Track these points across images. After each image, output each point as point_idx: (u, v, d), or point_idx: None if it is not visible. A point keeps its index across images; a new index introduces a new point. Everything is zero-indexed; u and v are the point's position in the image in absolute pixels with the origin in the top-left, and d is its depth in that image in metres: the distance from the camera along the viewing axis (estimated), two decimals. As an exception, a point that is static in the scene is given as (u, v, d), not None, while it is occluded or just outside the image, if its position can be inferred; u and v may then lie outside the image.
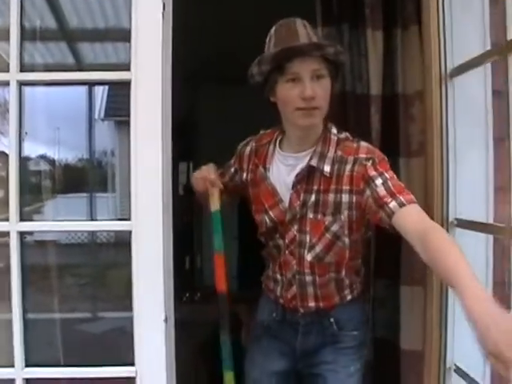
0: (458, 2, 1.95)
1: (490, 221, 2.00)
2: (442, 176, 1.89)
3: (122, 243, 1.77)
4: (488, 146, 2.03)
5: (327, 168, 1.80)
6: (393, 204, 1.66)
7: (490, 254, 2.02)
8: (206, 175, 2.01)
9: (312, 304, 1.92)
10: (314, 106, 1.75)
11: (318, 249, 1.85)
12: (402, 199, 1.66)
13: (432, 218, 1.88)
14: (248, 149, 2.03)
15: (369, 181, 1.74)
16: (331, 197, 1.80)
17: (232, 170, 2.10)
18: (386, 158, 1.82)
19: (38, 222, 1.88)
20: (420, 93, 2.16)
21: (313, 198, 1.82)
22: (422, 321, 2.10)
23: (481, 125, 2.03)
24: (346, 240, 1.84)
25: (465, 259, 1.39)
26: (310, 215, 1.83)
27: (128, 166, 1.66)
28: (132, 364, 1.68)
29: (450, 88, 1.91)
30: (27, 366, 1.71)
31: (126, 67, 1.66)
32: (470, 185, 1.99)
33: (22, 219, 1.69)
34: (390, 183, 1.71)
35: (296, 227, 1.86)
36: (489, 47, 2.00)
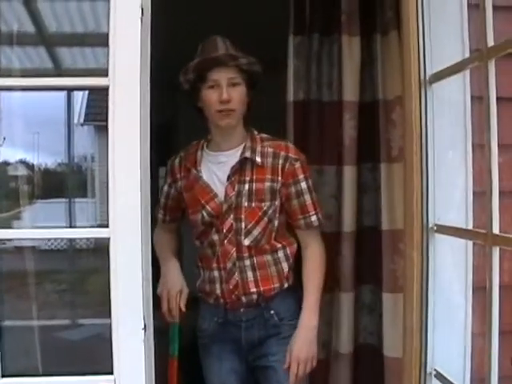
0: (437, 8, 1.96)
1: (470, 226, 2.00)
2: (421, 182, 1.89)
3: (101, 249, 1.75)
4: (467, 151, 2.04)
5: (259, 159, 2.09)
6: (314, 218, 2.15)
7: (469, 259, 2.02)
8: (169, 306, 2.14)
9: (253, 289, 2.11)
10: (230, 108, 2.05)
11: (255, 232, 2.09)
12: (320, 217, 2.17)
13: (411, 223, 1.89)
14: (177, 160, 2.26)
15: (295, 180, 2.11)
16: (267, 185, 2.09)
17: (166, 188, 2.26)
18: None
19: (13, 230, 1.85)
20: (401, 98, 2.15)
21: (246, 187, 2.09)
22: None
23: (460, 130, 2.04)
24: (276, 222, 2.13)
25: (316, 285, 2.14)
26: (245, 203, 2.09)
27: (108, 172, 1.64)
28: (110, 373, 1.65)
29: (429, 94, 1.91)
30: (3, 376, 1.68)
31: (104, 73, 1.63)
32: (449, 190, 1.99)
33: (-2, 226, 1.66)
34: (313, 194, 2.16)
35: (232, 216, 2.09)
36: (467, 53, 2.01)
